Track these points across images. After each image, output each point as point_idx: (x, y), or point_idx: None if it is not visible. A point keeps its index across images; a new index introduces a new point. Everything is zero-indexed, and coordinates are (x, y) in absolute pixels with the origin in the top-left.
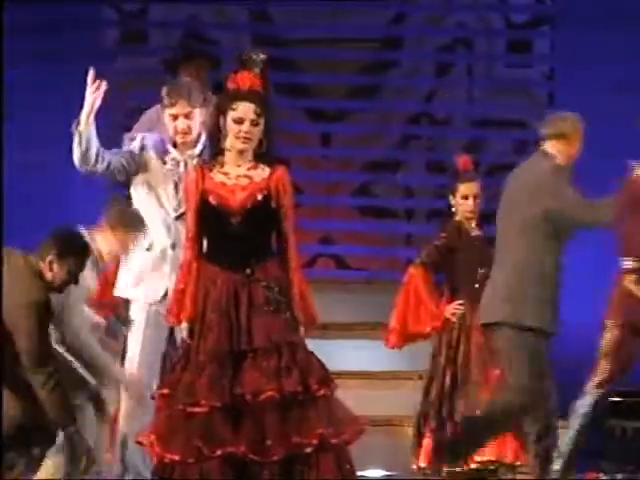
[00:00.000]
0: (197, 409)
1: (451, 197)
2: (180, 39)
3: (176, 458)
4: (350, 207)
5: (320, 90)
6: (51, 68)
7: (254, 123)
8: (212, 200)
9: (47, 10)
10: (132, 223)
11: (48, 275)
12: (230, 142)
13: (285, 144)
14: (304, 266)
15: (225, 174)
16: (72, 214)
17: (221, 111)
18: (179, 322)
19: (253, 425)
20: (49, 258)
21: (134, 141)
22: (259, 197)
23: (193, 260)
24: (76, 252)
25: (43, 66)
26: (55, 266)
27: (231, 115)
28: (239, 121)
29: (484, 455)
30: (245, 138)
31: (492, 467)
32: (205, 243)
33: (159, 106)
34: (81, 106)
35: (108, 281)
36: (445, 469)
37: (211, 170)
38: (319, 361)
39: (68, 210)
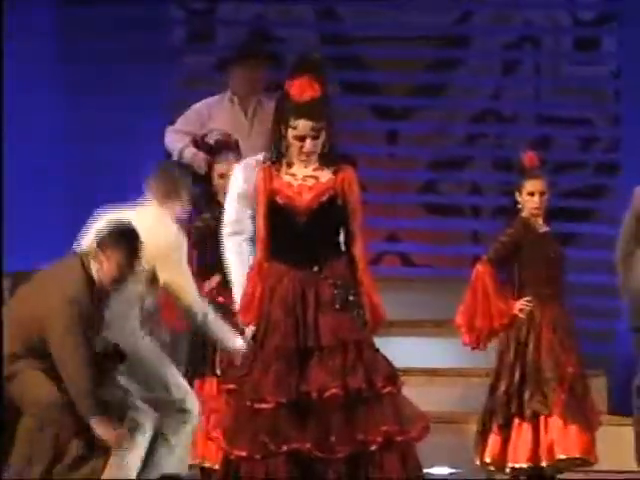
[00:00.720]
0: (263, 405)
1: (517, 194)
2: (241, 38)
3: (243, 454)
4: (416, 205)
5: (386, 88)
6: (117, 68)
7: (315, 137)
8: (279, 200)
9: (114, 9)
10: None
11: (95, 268)
12: (293, 153)
13: (351, 142)
14: (370, 264)
15: (292, 175)
16: None
17: (282, 121)
18: (247, 324)
19: (318, 423)
20: (96, 250)
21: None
22: (325, 197)
23: (264, 261)
24: (126, 243)
25: (110, 66)
26: (103, 258)
27: (291, 132)
28: (300, 139)
29: (568, 451)
30: (308, 153)
31: (562, 465)
32: (272, 242)
33: (209, 101)
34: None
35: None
36: (509, 465)
37: (278, 170)
38: (385, 359)
39: None
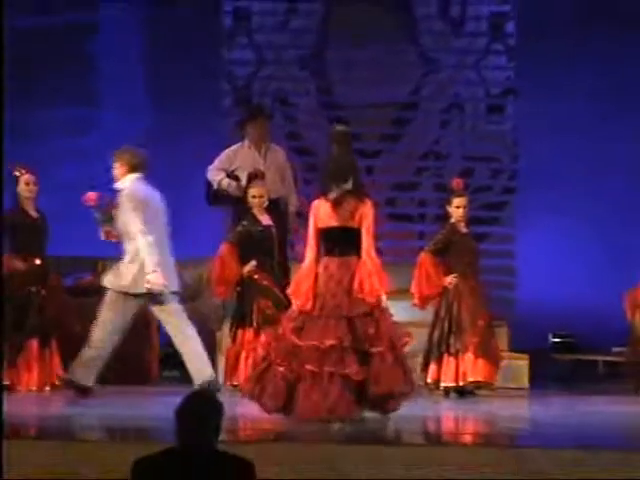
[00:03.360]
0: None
1: (448, 206)
2: (250, 103)
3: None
4: (383, 214)
5: (364, 136)
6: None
7: None
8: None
9: (185, 83)
10: None
11: None
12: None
13: None
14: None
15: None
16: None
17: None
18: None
19: None
20: None
21: (220, 173)
22: None
23: None
24: None
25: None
26: None
27: None
28: None
29: (475, 377)
30: None
31: (475, 386)
32: None
33: (234, 148)
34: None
35: (224, 262)
36: (442, 385)
37: None
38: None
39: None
